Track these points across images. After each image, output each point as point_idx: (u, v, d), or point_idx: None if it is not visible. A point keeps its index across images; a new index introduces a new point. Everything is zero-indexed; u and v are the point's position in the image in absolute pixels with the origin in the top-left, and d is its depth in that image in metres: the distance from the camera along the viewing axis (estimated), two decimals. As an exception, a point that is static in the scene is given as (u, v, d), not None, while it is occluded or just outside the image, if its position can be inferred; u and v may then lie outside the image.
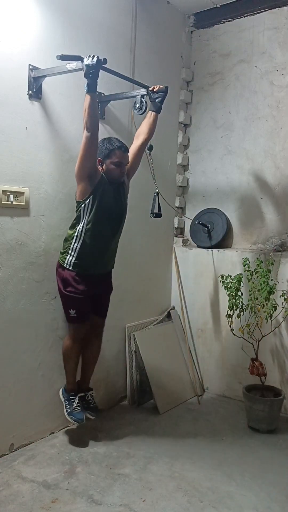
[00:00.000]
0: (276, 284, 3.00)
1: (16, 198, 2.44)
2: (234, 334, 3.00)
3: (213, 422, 3.02)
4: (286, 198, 3.33)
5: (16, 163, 2.44)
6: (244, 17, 3.49)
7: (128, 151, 2.55)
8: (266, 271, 2.95)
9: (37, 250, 2.59)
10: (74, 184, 2.78)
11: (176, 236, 3.83)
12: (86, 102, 2.31)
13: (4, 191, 2.38)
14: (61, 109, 2.67)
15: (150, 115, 2.72)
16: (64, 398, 2.67)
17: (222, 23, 3.61)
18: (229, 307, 2.99)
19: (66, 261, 2.53)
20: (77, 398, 2.65)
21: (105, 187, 2.50)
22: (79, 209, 2.50)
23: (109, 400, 3.17)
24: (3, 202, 2.38)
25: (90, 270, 2.57)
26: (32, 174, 2.53)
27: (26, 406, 2.58)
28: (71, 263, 2.51)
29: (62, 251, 2.57)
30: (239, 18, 3.51)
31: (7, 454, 2.48)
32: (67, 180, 2.74)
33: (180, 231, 3.88)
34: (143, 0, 3.22)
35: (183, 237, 3.85)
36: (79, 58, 2.30)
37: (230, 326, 3.01)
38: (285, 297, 3.00)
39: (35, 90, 2.49)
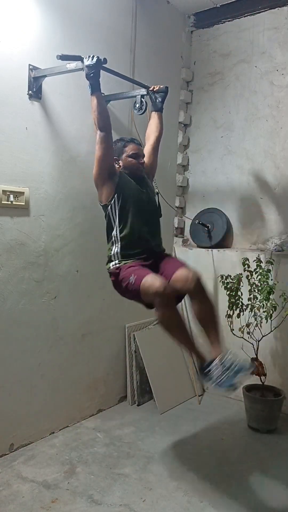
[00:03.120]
0: (276, 284, 3.00)
1: (16, 198, 2.44)
2: (234, 334, 3.00)
3: (213, 422, 3.02)
4: (286, 198, 3.33)
5: (16, 163, 2.44)
6: (244, 17, 3.49)
7: (140, 144, 2.51)
8: (266, 271, 2.95)
9: (37, 250, 2.59)
10: (73, 184, 2.79)
11: (176, 236, 3.83)
12: (93, 103, 2.29)
13: (4, 191, 2.38)
14: (61, 109, 2.67)
15: (154, 115, 2.71)
16: (205, 377, 2.11)
17: (222, 23, 3.62)
18: (229, 307, 2.99)
19: (111, 265, 2.35)
20: (218, 360, 2.11)
21: (127, 183, 2.38)
22: (107, 213, 2.36)
23: (109, 400, 3.17)
24: (3, 202, 2.38)
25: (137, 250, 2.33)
26: (32, 174, 2.53)
27: (26, 406, 2.58)
28: (115, 262, 2.33)
29: (107, 262, 2.39)
30: (239, 18, 3.51)
31: (7, 454, 2.48)
32: (67, 180, 2.74)
33: (180, 231, 3.88)
34: (143, 0, 3.22)
35: (183, 237, 3.85)
36: (79, 58, 2.30)
37: (230, 326, 3.00)
38: (285, 297, 3.00)
39: (35, 90, 2.49)
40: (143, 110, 2.78)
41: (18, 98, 2.43)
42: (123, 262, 2.30)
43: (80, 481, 2.27)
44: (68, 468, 2.38)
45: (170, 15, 3.54)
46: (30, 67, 2.46)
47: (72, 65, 2.35)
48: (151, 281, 2.09)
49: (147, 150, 2.63)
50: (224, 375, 2.04)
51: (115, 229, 2.36)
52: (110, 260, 2.37)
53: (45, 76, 2.49)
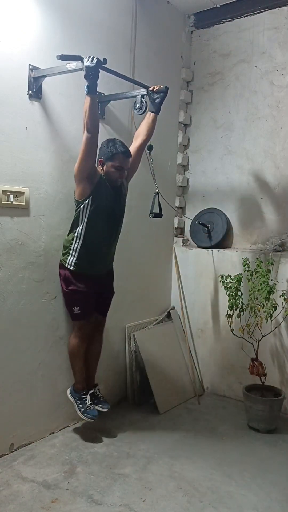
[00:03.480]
0: (276, 284, 3.00)
1: (16, 198, 2.44)
2: (234, 334, 3.00)
3: (213, 422, 3.02)
4: (286, 198, 3.33)
5: (16, 163, 2.43)
6: (244, 17, 3.49)
7: (130, 156, 2.56)
8: (266, 271, 2.95)
9: (37, 250, 2.59)
10: (74, 184, 2.78)
11: (176, 236, 3.83)
12: (86, 103, 2.33)
13: (4, 191, 2.38)
14: (61, 109, 2.67)
15: (149, 115, 2.72)
16: (74, 398, 2.68)
17: (222, 23, 3.62)
18: (229, 307, 2.99)
19: (67, 262, 2.58)
20: (88, 395, 2.68)
21: (104, 188, 2.53)
22: (78, 209, 2.53)
23: (109, 400, 3.16)
24: (3, 202, 2.38)
25: (91, 270, 2.61)
26: (32, 174, 2.53)
27: (26, 406, 2.58)
28: (72, 263, 2.57)
29: (63, 251, 2.62)
30: (239, 18, 3.51)
31: (7, 454, 2.48)
32: (67, 180, 2.74)
33: (180, 231, 3.88)
34: (143, 0, 3.22)
35: (183, 237, 3.85)
36: (79, 58, 2.30)
37: (230, 326, 3.01)
38: (285, 297, 3.00)
39: (35, 90, 2.49)
40: (143, 110, 2.78)
41: (18, 98, 2.43)
42: (77, 272, 2.57)
43: (80, 481, 2.27)
44: (68, 468, 2.38)
45: (170, 15, 3.54)
46: (30, 67, 2.46)
47: (72, 65, 2.35)
48: (85, 327, 2.65)
49: (131, 150, 2.66)
50: (92, 405, 2.67)
51: (80, 226, 2.52)
52: (67, 253, 2.58)
53: (45, 76, 2.49)
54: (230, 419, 3.07)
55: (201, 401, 3.37)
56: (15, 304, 2.49)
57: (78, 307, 2.60)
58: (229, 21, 3.57)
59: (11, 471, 2.33)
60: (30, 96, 2.48)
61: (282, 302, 3.00)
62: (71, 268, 2.57)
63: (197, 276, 3.60)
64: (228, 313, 3.00)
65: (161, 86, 2.68)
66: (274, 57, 3.35)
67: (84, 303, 2.62)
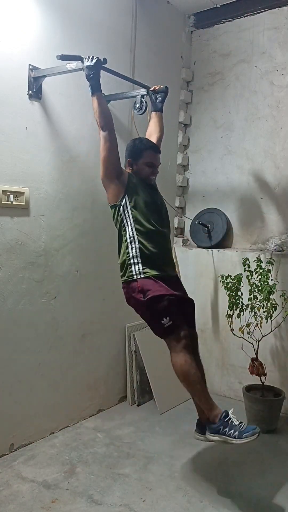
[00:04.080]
0: (276, 284, 3.00)
1: (16, 198, 2.44)
2: (234, 334, 3.00)
3: (213, 422, 3.01)
4: (286, 198, 3.33)
5: (16, 163, 2.44)
6: (244, 17, 3.49)
7: (159, 152, 2.44)
8: (266, 271, 2.95)
9: (37, 250, 2.59)
10: (73, 184, 2.79)
11: (176, 236, 3.83)
12: (94, 103, 2.28)
13: (4, 191, 2.38)
14: (61, 109, 2.67)
15: (155, 114, 2.71)
16: (220, 428, 2.07)
17: (222, 23, 3.62)
18: (229, 307, 2.99)
19: (134, 273, 2.22)
20: (230, 413, 2.10)
21: (138, 183, 2.33)
22: (118, 213, 2.29)
23: (109, 400, 3.17)
24: (3, 202, 2.38)
25: (162, 272, 2.25)
26: (32, 174, 2.53)
27: (26, 406, 2.58)
28: (141, 270, 2.21)
29: (123, 270, 2.28)
30: (239, 18, 3.51)
31: (7, 454, 2.48)
32: (67, 180, 2.74)
33: (180, 231, 3.88)
34: (143, 0, 3.22)
35: (183, 237, 3.85)
36: (79, 58, 2.30)
37: (230, 326, 3.00)
38: (285, 297, 3.00)
39: (35, 90, 2.49)
40: (143, 110, 2.78)
41: (18, 98, 2.43)
42: (150, 277, 2.18)
43: (80, 481, 2.27)
44: (68, 468, 2.38)
45: (170, 15, 3.54)
46: (30, 67, 2.46)
47: (72, 65, 2.35)
48: (185, 340, 2.14)
49: None
50: (241, 422, 2.07)
51: (129, 228, 2.26)
52: (129, 266, 2.22)
53: (45, 76, 2.49)
54: (230, 419, 3.07)
55: (201, 401, 3.37)
56: (15, 304, 2.49)
57: (167, 317, 2.13)
58: (229, 21, 3.57)
59: (11, 471, 2.33)
60: (30, 96, 2.48)
61: (282, 302, 3.00)
62: (142, 276, 2.19)
63: (197, 276, 3.60)
64: (228, 313, 3.00)
65: (161, 86, 2.68)
66: (274, 57, 3.35)
67: (172, 309, 2.15)
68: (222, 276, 3.07)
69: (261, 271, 2.96)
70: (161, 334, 2.19)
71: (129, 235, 2.25)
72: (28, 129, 2.49)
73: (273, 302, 2.87)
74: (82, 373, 2.94)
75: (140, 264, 2.21)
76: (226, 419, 2.06)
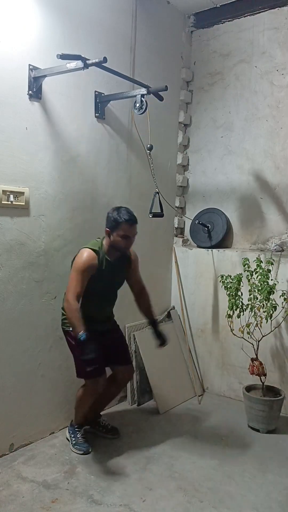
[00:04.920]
0: (276, 284, 3.00)
1: (16, 198, 2.44)
2: (234, 334, 3.00)
3: (213, 422, 3.02)
4: (286, 198, 3.33)
5: (16, 163, 2.43)
6: (244, 17, 3.49)
7: (135, 223, 2.48)
8: (266, 271, 2.95)
9: (37, 250, 2.59)
10: (73, 184, 2.79)
11: (176, 236, 3.83)
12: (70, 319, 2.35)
13: (4, 191, 2.38)
14: (61, 109, 2.67)
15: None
16: (69, 432, 2.66)
17: (222, 23, 3.61)
18: (229, 307, 2.99)
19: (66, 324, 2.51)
20: (82, 429, 2.64)
21: (102, 270, 2.48)
22: None
23: (109, 400, 3.17)
24: (3, 202, 2.38)
25: (92, 326, 2.41)
26: (32, 174, 2.53)
27: (26, 406, 2.58)
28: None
29: (62, 319, 2.55)
30: (239, 18, 3.51)
31: (7, 454, 2.48)
32: (67, 180, 2.74)
33: (180, 231, 3.88)
34: (143, 0, 3.22)
35: (183, 237, 3.85)
36: (79, 57, 2.30)
37: (230, 326, 3.00)
38: (285, 297, 3.00)
39: (35, 90, 2.49)
40: (143, 110, 2.78)
41: (18, 98, 2.43)
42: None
43: (80, 481, 2.27)
44: (68, 468, 2.38)
45: (170, 15, 3.54)
46: (30, 67, 2.46)
47: (72, 64, 2.35)
48: (97, 386, 2.48)
49: (135, 278, 2.74)
50: (83, 439, 2.61)
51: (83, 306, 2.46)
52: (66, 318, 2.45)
53: (45, 76, 2.49)
54: (230, 419, 3.07)
55: (201, 401, 3.37)
56: (15, 304, 2.49)
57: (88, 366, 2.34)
58: (229, 21, 3.57)
59: (11, 471, 2.33)
60: (30, 96, 2.48)
61: (282, 302, 3.00)
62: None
63: (197, 276, 3.60)
64: (228, 313, 3.00)
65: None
66: (274, 57, 3.35)
67: (95, 358, 2.33)
68: (222, 276, 3.07)
69: (261, 271, 2.95)
70: (81, 376, 2.51)
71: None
72: (28, 129, 2.49)
73: (273, 302, 2.87)
74: (82, 373, 2.94)
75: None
76: (77, 429, 2.63)
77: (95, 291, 2.47)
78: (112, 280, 2.59)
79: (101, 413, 2.82)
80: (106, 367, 2.59)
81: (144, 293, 2.77)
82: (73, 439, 2.60)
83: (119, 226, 2.43)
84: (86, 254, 2.42)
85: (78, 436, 2.60)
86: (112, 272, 2.54)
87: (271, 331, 2.99)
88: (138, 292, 2.76)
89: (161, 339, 2.71)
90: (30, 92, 2.47)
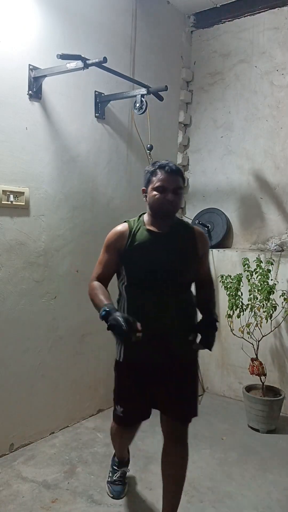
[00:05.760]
0: (276, 284, 3.00)
1: (16, 198, 2.44)
2: (234, 334, 3.00)
3: (213, 422, 3.02)
4: (286, 198, 3.33)
5: (16, 163, 2.43)
6: (244, 17, 3.49)
7: (177, 174, 1.77)
8: (266, 271, 2.95)
9: (37, 250, 2.59)
10: (73, 184, 2.79)
11: (176, 236, 3.82)
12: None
13: (4, 191, 2.38)
14: (61, 109, 2.67)
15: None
16: (111, 463, 2.30)
17: (222, 23, 3.62)
18: (229, 307, 2.99)
19: (116, 351, 1.89)
20: (120, 471, 2.23)
21: (140, 245, 1.78)
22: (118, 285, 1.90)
23: (109, 400, 3.16)
24: (3, 202, 2.38)
25: (139, 350, 1.73)
26: (32, 174, 2.53)
27: (26, 406, 2.58)
28: (120, 352, 1.86)
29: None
30: (239, 18, 3.51)
31: (7, 454, 2.48)
32: (67, 180, 2.74)
33: (180, 231, 3.87)
34: (143, 0, 3.22)
35: (183, 237, 3.84)
36: (79, 57, 2.30)
37: (230, 326, 3.00)
38: (285, 297, 3.00)
39: (35, 90, 2.49)
40: (143, 110, 2.78)
41: (18, 98, 2.43)
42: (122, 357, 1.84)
43: (80, 481, 2.27)
44: (68, 468, 2.38)
45: (170, 15, 3.54)
46: (30, 67, 2.46)
47: (72, 64, 2.35)
48: (125, 433, 2.07)
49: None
50: (119, 482, 2.21)
51: (122, 303, 1.85)
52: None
53: (45, 76, 2.49)
54: (230, 419, 3.07)
55: (201, 401, 3.37)
56: (15, 304, 2.49)
57: (121, 407, 1.90)
58: (229, 21, 3.57)
59: (11, 471, 2.33)
60: (30, 96, 2.48)
61: (282, 302, 3.00)
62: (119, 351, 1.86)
63: (197, 276, 3.60)
64: (228, 313, 3.00)
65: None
66: (274, 57, 3.35)
67: (129, 400, 1.87)
68: (222, 276, 3.07)
69: (261, 271, 2.96)
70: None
71: (121, 307, 1.88)
72: (28, 129, 2.49)
73: (273, 302, 2.87)
74: (82, 373, 2.94)
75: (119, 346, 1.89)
76: (115, 466, 2.24)
77: (137, 277, 1.76)
78: (166, 262, 1.75)
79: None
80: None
81: (210, 287, 1.97)
82: (109, 475, 2.25)
83: (153, 175, 1.77)
84: (116, 227, 1.84)
85: (115, 475, 2.22)
86: (163, 250, 1.76)
87: (271, 331, 2.99)
88: (201, 285, 1.95)
89: (209, 344, 1.80)
90: (30, 92, 2.47)
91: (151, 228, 1.80)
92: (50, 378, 2.72)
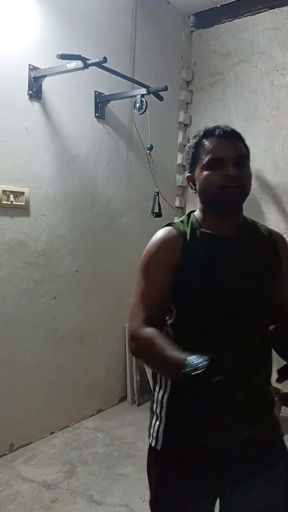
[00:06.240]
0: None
1: (16, 198, 2.44)
2: (234, 334, 3.00)
3: (213, 422, 3.01)
4: (286, 198, 3.33)
5: (16, 163, 2.43)
6: (244, 17, 3.48)
7: (237, 136, 1.31)
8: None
9: (37, 250, 2.59)
10: (73, 184, 2.79)
11: (176, 236, 3.82)
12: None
13: (4, 191, 2.38)
14: (61, 109, 2.67)
15: None
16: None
17: (222, 23, 3.61)
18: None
19: (150, 432, 1.26)
20: None
21: (201, 257, 1.19)
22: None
23: (109, 400, 3.17)
24: (3, 202, 2.38)
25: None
26: (32, 174, 2.53)
27: (26, 406, 2.58)
28: (158, 432, 1.22)
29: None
30: (239, 18, 3.51)
31: (7, 454, 2.47)
32: (67, 180, 2.74)
33: (180, 231, 3.87)
34: (143, 0, 3.22)
35: (183, 237, 3.84)
36: (79, 57, 2.30)
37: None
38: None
39: (35, 90, 2.49)
40: (143, 110, 2.79)
41: (18, 98, 2.43)
42: (163, 445, 1.19)
43: (80, 481, 2.27)
44: (68, 468, 2.38)
45: (170, 15, 3.54)
46: (30, 67, 2.46)
47: (72, 64, 2.35)
48: None
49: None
50: None
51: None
52: (151, 417, 1.26)
53: (45, 76, 2.49)
54: (230, 419, 3.07)
55: None
56: (15, 304, 2.49)
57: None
58: (229, 21, 3.57)
59: (11, 471, 2.33)
60: (30, 96, 2.48)
61: (282, 302, 2.99)
62: (155, 444, 1.24)
63: (197, 276, 3.60)
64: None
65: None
66: (274, 57, 3.35)
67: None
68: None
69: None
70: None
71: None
72: (28, 129, 2.49)
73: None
74: (82, 373, 2.94)
75: (162, 421, 1.25)
76: None
77: (196, 310, 1.14)
78: (242, 284, 1.16)
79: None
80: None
81: None
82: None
83: (199, 147, 1.22)
84: (157, 235, 1.30)
85: None
86: (235, 266, 1.17)
87: (271, 331, 2.99)
88: (281, 314, 1.28)
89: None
90: (30, 92, 2.47)
91: (211, 231, 1.21)
92: (50, 378, 2.72)
